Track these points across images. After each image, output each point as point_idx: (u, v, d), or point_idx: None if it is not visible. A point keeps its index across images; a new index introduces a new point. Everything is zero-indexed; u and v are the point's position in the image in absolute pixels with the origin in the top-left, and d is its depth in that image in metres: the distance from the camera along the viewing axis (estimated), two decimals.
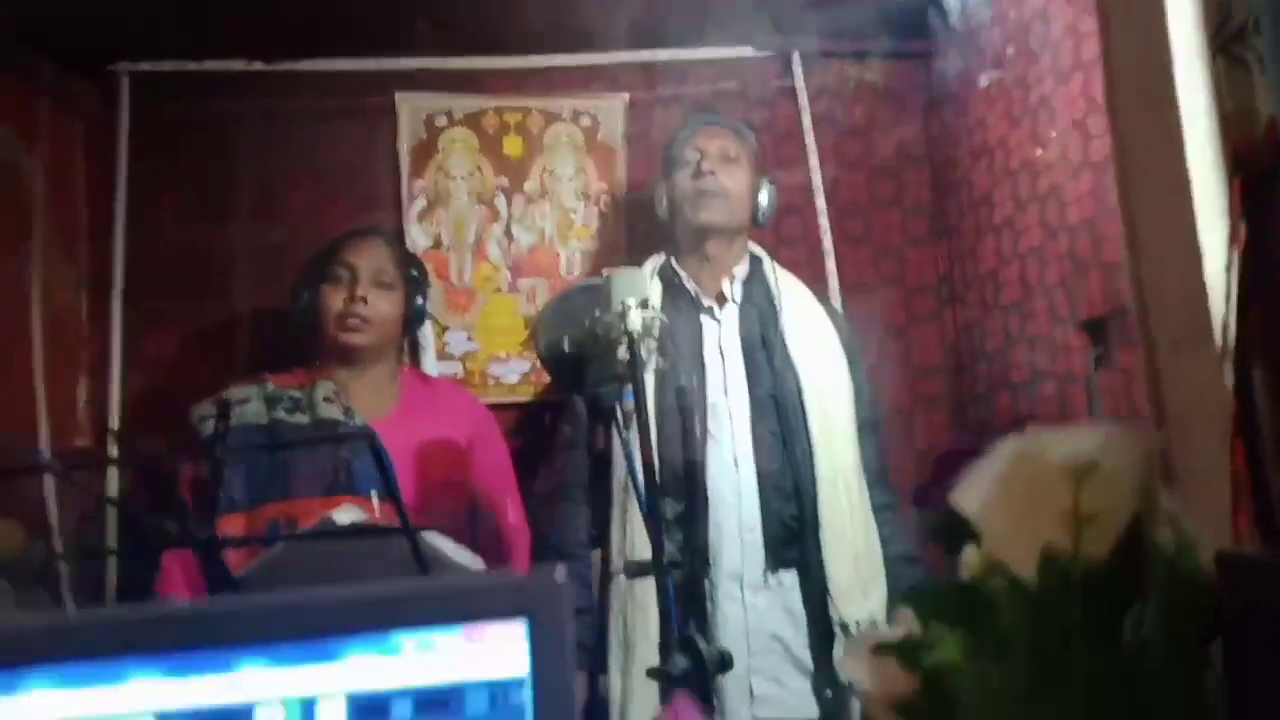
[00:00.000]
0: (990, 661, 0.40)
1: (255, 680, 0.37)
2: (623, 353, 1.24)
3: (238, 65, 2.19)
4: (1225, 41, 0.60)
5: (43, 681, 0.36)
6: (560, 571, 0.39)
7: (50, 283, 2.00)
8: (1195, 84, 0.62)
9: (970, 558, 0.44)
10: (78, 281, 2.11)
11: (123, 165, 2.14)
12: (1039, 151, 1.79)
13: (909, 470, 2.09)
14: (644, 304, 1.24)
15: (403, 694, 0.38)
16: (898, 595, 1.58)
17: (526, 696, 0.37)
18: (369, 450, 1.13)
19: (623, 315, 1.23)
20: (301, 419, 1.51)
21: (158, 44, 2.14)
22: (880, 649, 0.45)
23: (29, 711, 0.36)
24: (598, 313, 1.27)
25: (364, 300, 1.63)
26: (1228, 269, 0.58)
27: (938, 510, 0.45)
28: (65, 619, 0.38)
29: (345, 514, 1.07)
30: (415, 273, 1.78)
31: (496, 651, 0.38)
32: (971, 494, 0.44)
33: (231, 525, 1.33)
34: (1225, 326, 0.57)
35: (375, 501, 1.35)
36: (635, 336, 1.22)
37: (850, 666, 0.46)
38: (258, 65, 2.20)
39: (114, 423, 2.05)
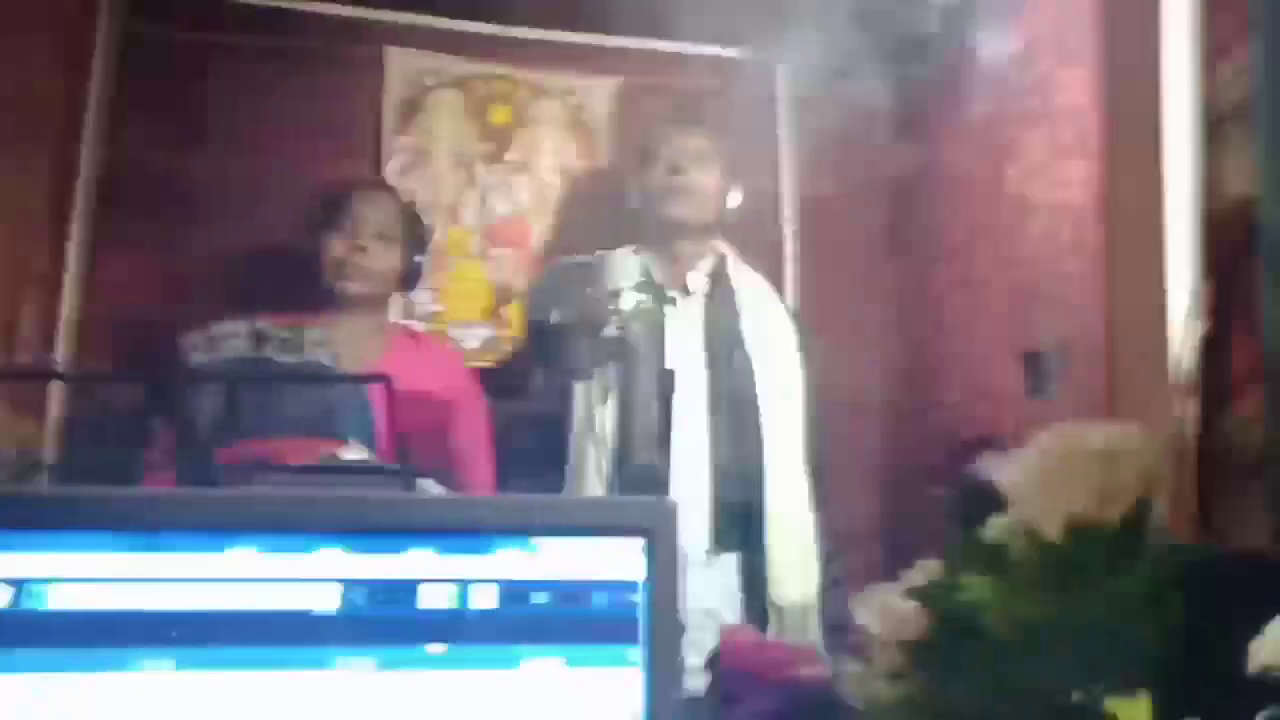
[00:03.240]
0: (1018, 599, 0.49)
1: (422, 563, 0.44)
2: (610, 331, 1.31)
3: None
4: (1210, 123, 0.71)
5: (244, 544, 0.42)
6: (673, 500, 0.46)
7: (7, 192, 1.94)
8: (1182, 155, 0.72)
9: (996, 523, 0.54)
10: (39, 193, 2.05)
11: (96, 80, 2.09)
12: (1001, 188, 1.92)
13: (844, 470, 2.21)
14: (638, 286, 1.31)
15: (541, 585, 0.45)
16: (824, 583, 1.71)
17: (640, 599, 0.45)
18: (353, 399, 1.17)
19: (615, 296, 1.30)
20: (289, 358, 1.54)
21: None
22: (911, 593, 0.54)
23: (235, 567, 0.42)
24: (590, 290, 1.33)
25: (364, 250, 1.66)
26: (1189, 315, 0.69)
27: (960, 487, 0.54)
28: (262, 494, 0.43)
29: (351, 452, 1.11)
30: (419, 230, 1.82)
31: (621, 559, 0.45)
32: (1012, 470, 0.53)
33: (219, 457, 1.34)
34: (1180, 364, 0.68)
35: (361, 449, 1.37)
36: (626, 317, 1.29)
37: (862, 613, 0.55)
38: None
39: (59, 341, 2.01)
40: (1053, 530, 0.50)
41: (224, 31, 2.16)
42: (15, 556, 0.41)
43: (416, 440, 1.64)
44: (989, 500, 0.53)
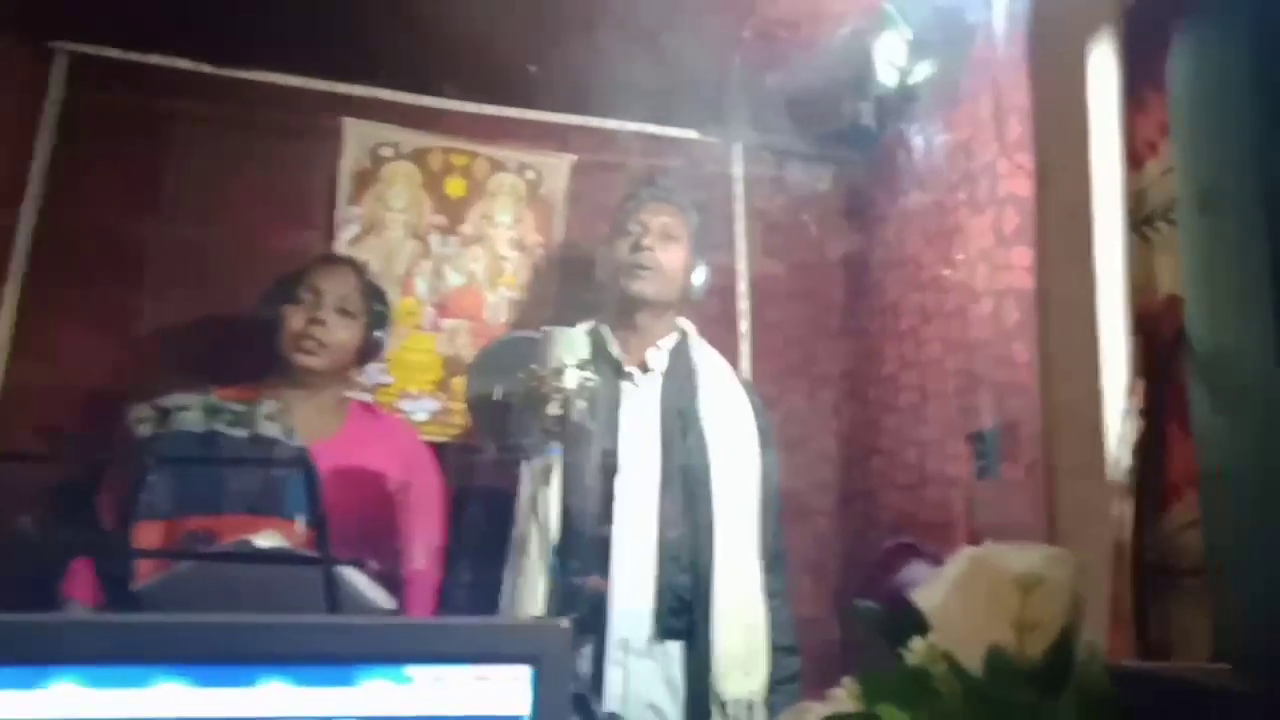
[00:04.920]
0: None
1: (277, 697, 0.39)
2: (554, 409, 1.27)
3: (184, 64, 2.16)
4: (1138, 222, 0.71)
5: (70, 678, 0.37)
6: (565, 622, 0.42)
7: None
8: (1113, 253, 0.72)
9: (917, 647, 0.50)
10: None
11: (44, 143, 2.06)
12: (947, 272, 1.94)
13: (794, 554, 2.18)
14: (581, 364, 1.29)
15: None
16: (775, 679, 1.64)
17: None
18: (301, 474, 1.13)
19: (559, 373, 1.27)
20: (240, 433, 1.50)
21: (102, 28, 2.09)
22: None
23: (57, 704, 0.37)
24: (534, 366, 1.30)
25: (323, 324, 1.64)
26: (1124, 414, 0.68)
27: (885, 601, 0.51)
28: (99, 620, 0.39)
29: (265, 539, 1.05)
30: (379, 307, 1.81)
31: (502, 691, 0.41)
32: (930, 594, 0.50)
33: (150, 532, 1.29)
34: (1117, 464, 0.66)
35: (300, 526, 1.33)
36: (569, 395, 1.26)
37: None
38: (205, 67, 2.17)
39: None
40: (974, 661, 0.47)
41: (180, 98, 2.15)
42: None
43: (368, 514, 1.59)
44: (910, 619, 0.51)
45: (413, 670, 0.41)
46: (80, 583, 1.29)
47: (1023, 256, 1.64)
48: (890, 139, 2.15)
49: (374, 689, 0.41)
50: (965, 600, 0.49)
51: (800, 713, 0.53)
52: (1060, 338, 0.76)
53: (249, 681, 0.39)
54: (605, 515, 1.62)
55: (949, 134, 1.89)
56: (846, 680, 0.54)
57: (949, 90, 1.85)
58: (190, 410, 1.51)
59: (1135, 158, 0.72)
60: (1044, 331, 0.78)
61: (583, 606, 1.41)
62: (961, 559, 0.51)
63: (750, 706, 1.59)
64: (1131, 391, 0.68)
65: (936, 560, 0.60)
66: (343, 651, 0.40)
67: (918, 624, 0.51)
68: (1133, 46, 0.73)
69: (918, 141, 2.02)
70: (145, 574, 0.90)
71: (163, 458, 1.33)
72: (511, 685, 0.41)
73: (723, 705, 1.57)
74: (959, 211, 1.89)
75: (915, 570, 0.52)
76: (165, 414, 1.46)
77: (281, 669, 0.39)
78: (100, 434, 1.81)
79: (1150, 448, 0.67)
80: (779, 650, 1.68)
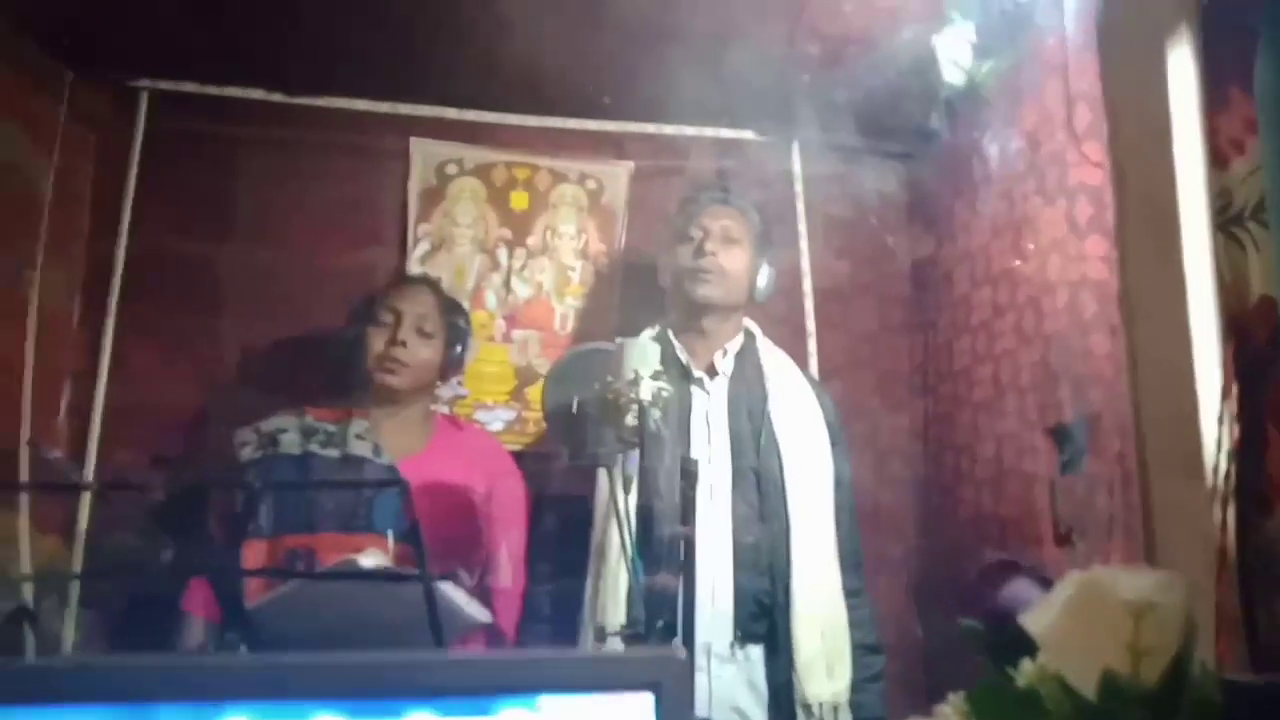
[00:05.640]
0: None
1: None
2: (631, 420, 1.30)
3: (257, 94, 2.24)
4: (1225, 222, 0.70)
5: (242, 712, 0.41)
6: (681, 649, 0.44)
7: (46, 285, 2.00)
8: (1200, 253, 0.71)
9: (1026, 669, 0.51)
10: (72, 286, 2.11)
11: (132, 177, 2.16)
12: (1018, 263, 1.91)
13: (869, 552, 2.16)
14: (655, 375, 1.30)
15: None
16: (859, 679, 1.64)
17: None
18: (393, 491, 1.18)
19: (634, 383, 1.30)
20: (333, 453, 1.57)
21: (179, 64, 2.18)
22: None
23: None
24: (610, 378, 1.33)
25: (403, 344, 1.69)
26: (1220, 418, 0.67)
27: (987, 619, 0.52)
28: (263, 661, 0.42)
29: (368, 558, 1.10)
30: (459, 323, 1.86)
31: (627, 718, 0.43)
32: (1040, 617, 0.51)
33: (253, 552, 1.37)
34: (1216, 469, 0.65)
35: (390, 541, 1.38)
36: (645, 405, 1.28)
37: None
38: (277, 96, 2.25)
39: (94, 431, 2.04)
40: (1086, 685, 0.48)
41: (255, 126, 2.24)
42: None
43: (456, 527, 1.64)
44: (1016, 638, 0.51)
45: (544, 700, 0.43)
46: (198, 599, 1.36)
47: (1097, 246, 1.60)
48: (961, 128, 2.12)
49: (510, 718, 0.43)
50: (1076, 624, 0.49)
51: None
52: (1147, 337, 0.75)
53: (398, 713, 0.43)
54: (684, 519, 1.63)
55: (1015, 125, 1.86)
56: (952, 697, 0.54)
57: (1014, 83, 1.82)
58: (289, 432, 1.58)
59: (1219, 156, 0.71)
60: (1130, 330, 0.77)
61: (666, 612, 1.43)
62: (1070, 583, 0.51)
63: (835, 709, 1.59)
64: (1226, 395, 0.67)
65: (1038, 576, 0.60)
66: (481, 684, 0.43)
67: (1025, 644, 0.51)
68: (1212, 45, 0.72)
69: (984, 134, 1.99)
70: (254, 590, 0.96)
71: (271, 482, 1.40)
72: (635, 712, 0.43)
73: (807, 708, 1.58)
74: (1028, 202, 1.86)
75: (1017, 587, 0.53)
76: (266, 437, 1.53)
77: (427, 701, 0.43)
78: (194, 455, 1.89)
79: (1248, 452, 0.66)
80: (861, 649, 1.68)
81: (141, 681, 0.41)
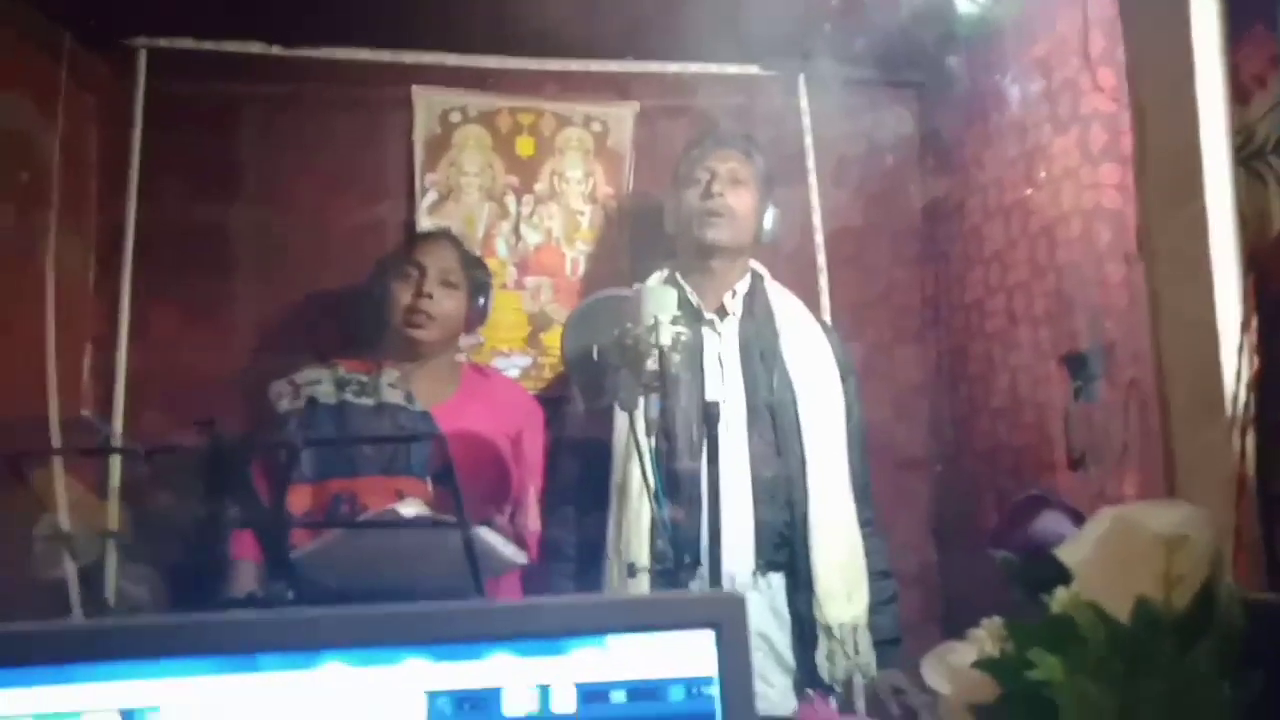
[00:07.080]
0: (1089, 680, 0.50)
1: (505, 667, 0.46)
2: (651, 364, 1.32)
3: (255, 48, 2.21)
4: (1247, 156, 0.71)
5: (337, 658, 0.45)
6: (741, 590, 0.47)
7: (61, 252, 2.01)
8: (1221, 186, 0.72)
9: (1060, 596, 0.54)
10: (86, 252, 2.12)
11: (136, 140, 2.15)
12: (1030, 192, 1.90)
13: (887, 484, 2.21)
14: (674, 320, 1.32)
15: (618, 685, 0.47)
16: (874, 602, 1.70)
17: (715, 692, 0.46)
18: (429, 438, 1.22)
19: (654, 329, 1.31)
20: (367, 401, 1.63)
21: (176, 20, 2.15)
22: (980, 665, 0.55)
23: (329, 681, 0.45)
24: (629, 324, 1.34)
25: (430, 297, 1.73)
26: (1239, 351, 0.69)
27: (1020, 551, 0.55)
28: (356, 611, 0.46)
29: (408, 507, 1.14)
30: (480, 274, 1.89)
31: (691, 654, 0.47)
32: (1074, 550, 0.54)
33: (299, 496, 1.44)
34: (1235, 399, 0.68)
35: (429, 485, 1.44)
36: (665, 350, 1.30)
37: (929, 673, 0.56)
38: (275, 49, 2.22)
39: (119, 395, 2.07)
40: (1120, 612, 0.51)
41: (254, 82, 2.22)
42: (125, 685, 0.44)
43: (487, 471, 1.69)
44: (1051, 569, 0.54)
45: (613, 639, 0.47)
46: (246, 545, 1.42)
47: (1111, 174, 1.60)
48: (970, 56, 2.09)
49: (581, 657, 0.47)
50: (1111, 556, 0.52)
51: (945, 653, 0.57)
52: (1167, 272, 0.77)
53: (479, 655, 0.46)
54: (711, 458, 1.67)
55: (1029, 52, 1.84)
56: (986, 622, 0.58)
57: (1029, 10, 1.79)
58: (322, 384, 1.63)
59: (1241, 92, 0.72)
60: (1150, 265, 0.79)
61: (691, 545, 1.48)
62: (1104, 518, 0.54)
63: (855, 629, 1.67)
64: (1245, 328, 0.69)
65: (1068, 510, 0.63)
66: (554, 626, 0.47)
67: (1059, 575, 0.54)
68: None
69: (997, 62, 1.96)
70: (297, 540, 1.01)
71: (311, 439, 1.45)
72: (698, 648, 0.47)
73: (828, 629, 1.65)
74: (1041, 130, 1.84)
75: (1048, 520, 0.55)
76: (300, 389, 1.58)
77: (506, 643, 0.46)
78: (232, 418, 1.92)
79: (1267, 383, 0.68)
80: (875, 575, 1.74)
81: (252, 631, 0.45)
